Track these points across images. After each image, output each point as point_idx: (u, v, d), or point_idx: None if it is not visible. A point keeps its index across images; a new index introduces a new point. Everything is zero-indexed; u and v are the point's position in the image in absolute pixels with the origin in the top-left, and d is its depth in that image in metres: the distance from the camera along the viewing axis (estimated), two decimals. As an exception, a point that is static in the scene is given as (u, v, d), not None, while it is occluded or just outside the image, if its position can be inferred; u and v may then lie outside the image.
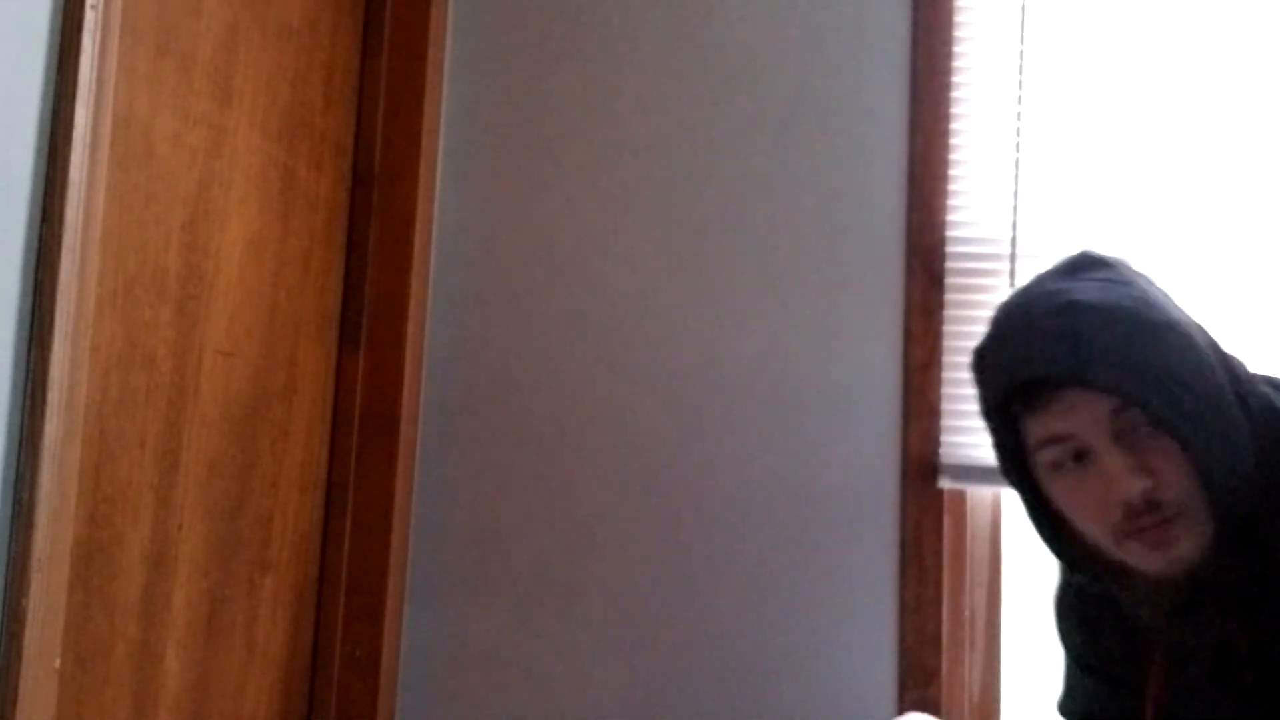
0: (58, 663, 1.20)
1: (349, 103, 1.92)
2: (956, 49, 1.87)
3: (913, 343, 1.82)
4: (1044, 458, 1.07)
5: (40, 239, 1.15)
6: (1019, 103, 1.84)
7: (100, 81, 1.22)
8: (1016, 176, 1.83)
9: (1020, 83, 1.85)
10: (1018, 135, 1.84)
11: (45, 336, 1.15)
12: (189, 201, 1.47)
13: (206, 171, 1.51)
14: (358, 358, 1.91)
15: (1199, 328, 1.09)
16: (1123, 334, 1.03)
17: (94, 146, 1.21)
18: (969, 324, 1.80)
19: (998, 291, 1.81)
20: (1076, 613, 1.27)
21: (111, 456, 1.33)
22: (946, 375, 1.81)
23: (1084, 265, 1.11)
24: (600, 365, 1.92)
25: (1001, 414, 1.09)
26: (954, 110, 1.86)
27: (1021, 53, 1.85)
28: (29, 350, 1.14)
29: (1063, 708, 1.32)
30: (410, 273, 1.92)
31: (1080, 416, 1.03)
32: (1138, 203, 1.80)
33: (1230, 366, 1.09)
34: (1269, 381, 1.13)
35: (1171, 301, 1.10)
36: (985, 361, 1.12)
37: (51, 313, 1.15)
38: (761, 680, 1.81)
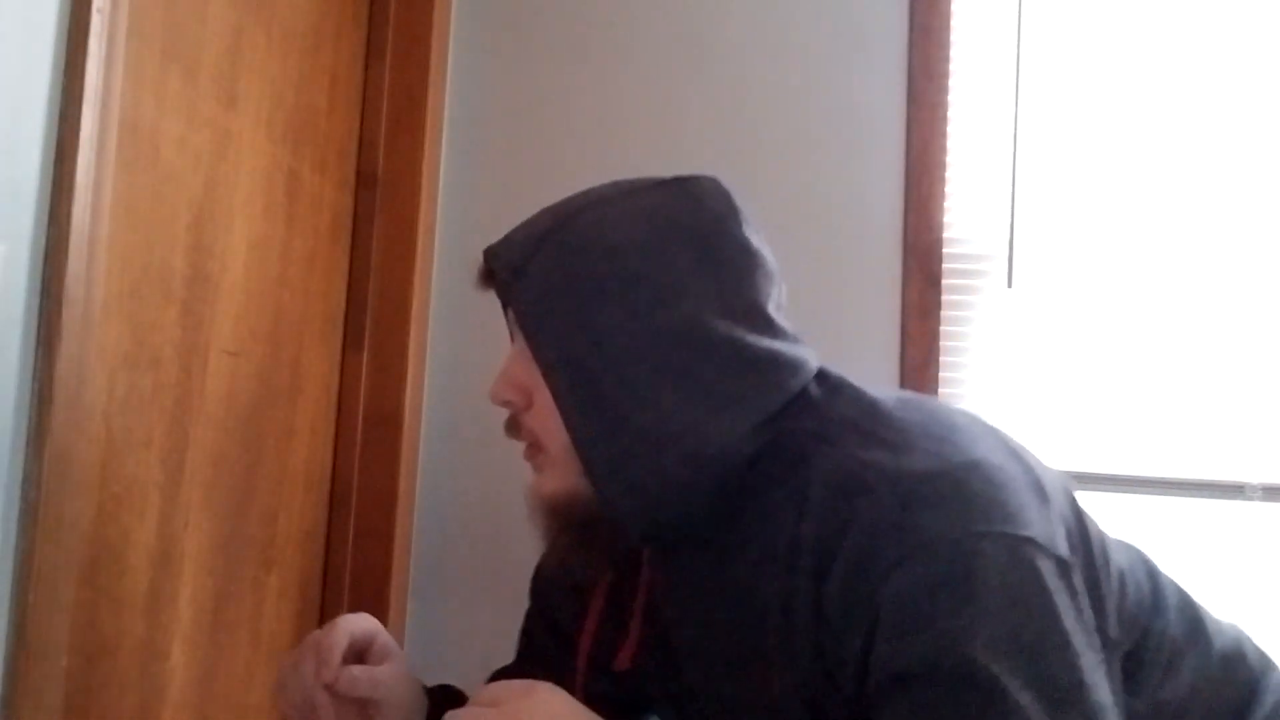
0: (64, 660, 1.21)
1: (353, 106, 1.93)
2: (953, 52, 1.88)
3: (910, 344, 1.83)
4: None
5: (47, 241, 1.16)
6: (1015, 105, 1.86)
7: (107, 85, 1.23)
8: (1013, 178, 1.84)
9: (1016, 86, 1.86)
10: (1014, 138, 1.85)
11: (52, 337, 1.16)
12: (194, 204, 1.49)
13: (212, 174, 1.52)
14: (361, 358, 1.92)
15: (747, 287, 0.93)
16: (578, 271, 0.89)
17: (101, 149, 1.22)
18: (966, 325, 1.81)
19: (994, 293, 1.83)
20: None
21: (118, 455, 1.34)
22: (944, 375, 1.82)
23: (671, 185, 0.96)
24: (601, 366, 1.93)
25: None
26: (950, 113, 1.87)
27: (1018, 56, 1.86)
28: (36, 351, 1.16)
29: None
30: (413, 274, 1.94)
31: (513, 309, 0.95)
32: (1133, 205, 1.82)
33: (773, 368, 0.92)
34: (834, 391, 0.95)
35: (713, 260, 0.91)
36: None
37: (59, 314, 1.16)
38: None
